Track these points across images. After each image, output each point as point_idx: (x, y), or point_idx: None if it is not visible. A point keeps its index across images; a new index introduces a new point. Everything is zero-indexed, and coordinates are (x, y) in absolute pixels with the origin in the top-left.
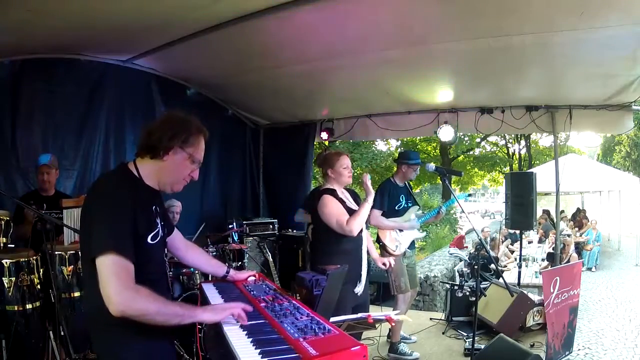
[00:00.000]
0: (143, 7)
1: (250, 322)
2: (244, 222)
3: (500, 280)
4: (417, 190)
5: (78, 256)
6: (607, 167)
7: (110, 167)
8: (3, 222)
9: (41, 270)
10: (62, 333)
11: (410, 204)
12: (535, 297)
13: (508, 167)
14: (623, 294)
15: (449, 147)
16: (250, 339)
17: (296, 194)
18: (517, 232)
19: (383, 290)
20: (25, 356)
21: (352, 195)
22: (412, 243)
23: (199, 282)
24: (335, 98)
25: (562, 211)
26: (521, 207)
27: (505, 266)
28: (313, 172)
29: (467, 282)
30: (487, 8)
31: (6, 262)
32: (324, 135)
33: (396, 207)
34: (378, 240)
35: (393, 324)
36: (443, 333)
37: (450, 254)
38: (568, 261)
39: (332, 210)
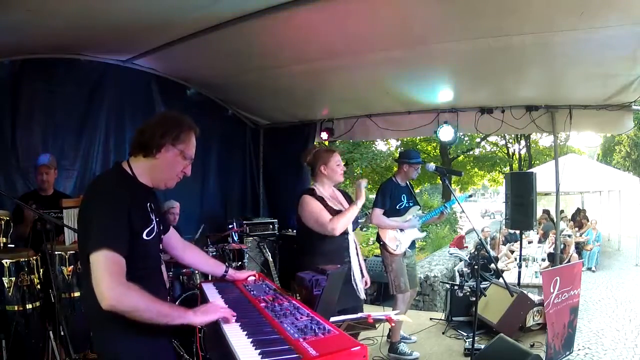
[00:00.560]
0: (143, 7)
1: (250, 322)
2: (244, 222)
3: (500, 280)
4: (417, 190)
5: (78, 256)
6: (607, 167)
7: (110, 167)
8: (3, 222)
9: (41, 270)
10: (62, 333)
11: (411, 204)
12: (535, 297)
13: (508, 167)
14: (623, 294)
15: (449, 147)
16: (250, 339)
17: (296, 194)
18: (517, 232)
19: (385, 290)
20: (25, 356)
21: (345, 197)
22: (413, 243)
23: (198, 282)
24: (335, 98)
25: (562, 211)
26: (521, 207)
27: (506, 266)
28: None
29: (467, 282)
30: (487, 8)
31: (6, 262)
32: (324, 135)
33: (397, 207)
34: (378, 239)
35: (393, 324)
36: (443, 333)
37: (450, 254)
38: (569, 261)
39: (311, 209)
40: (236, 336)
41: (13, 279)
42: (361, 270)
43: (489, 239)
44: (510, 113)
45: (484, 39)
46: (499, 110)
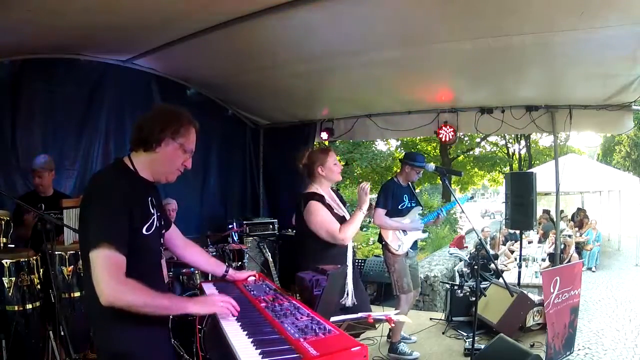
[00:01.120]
0: (143, 7)
1: (250, 323)
2: (244, 222)
3: (500, 280)
4: (417, 190)
5: (78, 256)
6: (607, 167)
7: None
8: (3, 222)
9: (41, 270)
10: (62, 333)
11: (413, 204)
12: (535, 297)
13: (508, 167)
14: (623, 294)
15: (449, 147)
16: (251, 339)
17: (296, 194)
18: (517, 232)
19: (385, 291)
20: (25, 356)
21: (337, 196)
22: (415, 243)
23: (198, 282)
24: (335, 98)
25: (562, 211)
26: (521, 207)
27: (505, 266)
28: None
29: (467, 282)
30: (487, 8)
31: (6, 262)
32: (324, 135)
33: (400, 207)
34: (380, 239)
35: (393, 325)
36: (443, 333)
37: (450, 254)
38: (569, 261)
39: (322, 218)
40: (236, 336)
41: (13, 279)
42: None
43: (488, 238)
44: (510, 113)
45: (484, 39)
46: (499, 110)
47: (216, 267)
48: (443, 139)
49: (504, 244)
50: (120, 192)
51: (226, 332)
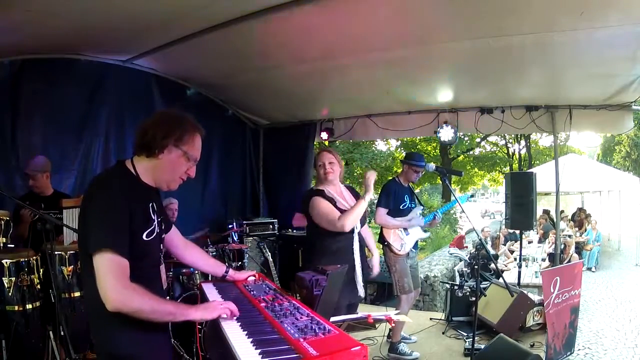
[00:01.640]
0: (143, 7)
1: (250, 323)
2: (244, 222)
3: (500, 280)
4: (417, 190)
5: (78, 256)
6: (607, 167)
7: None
8: (3, 222)
9: (41, 270)
10: (62, 333)
11: (414, 205)
12: (535, 297)
13: (508, 167)
14: (623, 294)
15: (449, 147)
16: (251, 339)
17: (296, 194)
18: (517, 232)
19: (386, 291)
20: (25, 356)
21: (352, 192)
22: (416, 243)
23: (198, 282)
24: (335, 98)
25: (562, 211)
26: (521, 207)
27: (505, 266)
28: (313, 172)
29: (467, 282)
30: (487, 8)
31: (6, 262)
32: (324, 135)
33: (401, 207)
34: (382, 240)
35: (393, 324)
36: (443, 333)
37: (450, 254)
38: (569, 261)
39: (321, 210)
40: (236, 336)
41: (13, 279)
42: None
43: (489, 238)
44: (510, 113)
45: (484, 39)
46: (499, 110)
47: (216, 267)
48: (443, 139)
49: (504, 244)
50: (122, 196)
51: (226, 332)
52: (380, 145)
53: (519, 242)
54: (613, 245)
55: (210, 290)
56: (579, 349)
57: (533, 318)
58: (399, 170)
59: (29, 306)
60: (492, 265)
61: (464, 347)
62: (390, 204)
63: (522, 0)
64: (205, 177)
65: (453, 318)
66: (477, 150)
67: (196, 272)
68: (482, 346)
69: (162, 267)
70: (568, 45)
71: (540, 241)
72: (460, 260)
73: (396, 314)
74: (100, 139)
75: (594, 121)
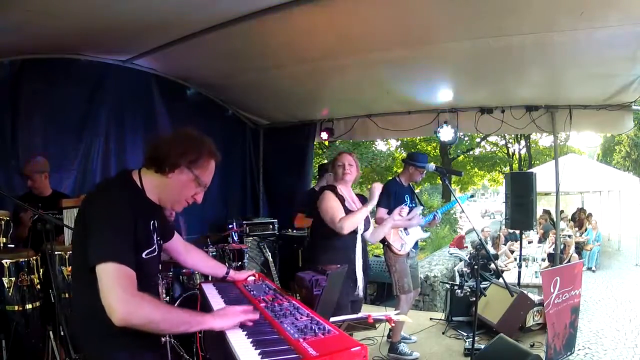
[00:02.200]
0: (143, 7)
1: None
2: (244, 222)
3: (500, 280)
4: (417, 190)
5: None
6: (607, 167)
7: (110, 166)
8: (3, 222)
9: (41, 270)
10: (62, 333)
11: (414, 205)
12: (535, 297)
13: (508, 167)
14: (623, 294)
15: (449, 147)
16: (250, 340)
17: (296, 194)
18: (517, 232)
19: (385, 290)
20: (25, 356)
21: (361, 200)
22: (416, 243)
23: (198, 282)
24: (335, 98)
25: (562, 211)
26: (521, 207)
27: (505, 266)
28: (313, 172)
29: (467, 282)
30: (487, 8)
31: (6, 262)
32: (324, 135)
33: None
34: (383, 239)
35: (393, 324)
36: (443, 333)
37: (450, 254)
38: (569, 261)
39: (329, 205)
40: (236, 336)
41: (13, 279)
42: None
43: (489, 238)
44: (510, 113)
45: (484, 39)
46: (499, 110)
47: (217, 269)
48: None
49: (505, 244)
50: (126, 207)
51: (226, 332)
52: (380, 145)
53: (519, 242)
54: (613, 245)
55: (210, 290)
56: (579, 349)
57: (533, 318)
58: (399, 170)
59: (29, 306)
60: (492, 265)
61: (464, 347)
62: (390, 204)
63: (522, 0)
64: None
65: (453, 318)
66: (477, 150)
67: (196, 272)
68: (482, 346)
69: (161, 288)
70: (568, 45)
71: (540, 241)
72: (460, 260)
73: (396, 314)
74: (100, 139)
75: (594, 121)
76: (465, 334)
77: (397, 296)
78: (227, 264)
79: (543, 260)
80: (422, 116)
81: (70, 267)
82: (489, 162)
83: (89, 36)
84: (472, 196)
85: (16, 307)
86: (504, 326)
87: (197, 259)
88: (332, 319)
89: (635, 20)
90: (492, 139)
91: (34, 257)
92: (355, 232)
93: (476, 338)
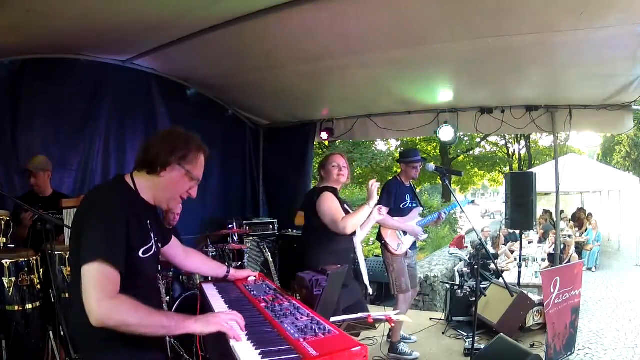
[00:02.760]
0: (143, 7)
1: (250, 322)
2: (244, 222)
3: (500, 280)
4: (417, 190)
5: None
6: (607, 167)
7: (110, 167)
8: (3, 222)
9: (41, 270)
10: (62, 333)
11: (414, 205)
12: (535, 297)
13: (508, 167)
14: (623, 294)
15: (449, 147)
16: (251, 339)
17: (296, 194)
18: (517, 232)
19: (385, 291)
20: (25, 356)
21: (347, 205)
22: (414, 243)
23: (198, 282)
24: (335, 98)
25: (562, 211)
26: (521, 207)
27: (505, 266)
28: (313, 172)
29: (467, 282)
30: (487, 8)
31: (6, 262)
32: (324, 135)
33: (401, 206)
34: (380, 238)
35: (393, 324)
36: (443, 333)
37: (450, 254)
38: (569, 262)
39: (331, 207)
40: (237, 342)
41: (13, 279)
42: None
43: (489, 238)
44: (510, 113)
45: (484, 39)
46: (499, 110)
47: (217, 269)
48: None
49: (505, 244)
50: (119, 209)
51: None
52: (380, 145)
53: (518, 242)
54: (613, 245)
55: (210, 290)
56: (579, 349)
57: (533, 318)
58: (399, 170)
59: (29, 306)
60: (492, 266)
61: (464, 347)
62: (390, 202)
63: (522, 0)
64: (205, 177)
65: (453, 318)
66: (477, 150)
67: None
68: (482, 346)
69: (162, 288)
70: (568, 45)
71: (540, 241)
72: (460, 260)
73: (396, 314)
74: (100, 139)
75: (594, 121)
76: (465, 334)
77: (395, 296)
78: (227, 264)
79: (543, 260)
80: (422, 116)
81: (70, 267)
82: (489, 162)
83: (89, 36)
84: (472, 202)
85: (16, 307)
86: (504, 326)
87: (197, 262)
88: (332, 319)
89: (635, 20)
90: (492, 139)
91: (34, 257)
92: (352, 233)
93: (476, 338)
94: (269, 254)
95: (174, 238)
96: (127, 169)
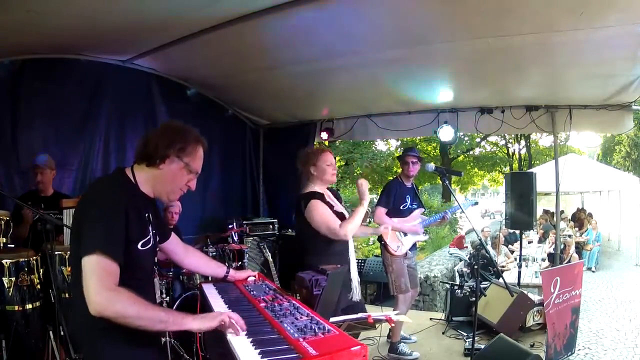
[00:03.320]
0: (143, 7)
1: (250, 322)
2: (244, 222)
3: (500, 280)
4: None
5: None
6: (607, 167)
7: (110, 167)
8: (3, 222)
9: (41, 270)
10: (62, 333)
11: (415, 206)
12: (535, 297)
13: (508, 167)
14: (623, 294)
15: (449, 147)
16: (250, 339)
17: (296, 194)
18: (517, 232)
19: (384, 291)
20: (25, 356)
21: (334, 195)
22: (414, 244)
23: (198, 282)
24: (335, 98)
25: (562, 211)
26: (521, 207)
27: (504, 267)
28: None
29: (467, 282)
30: (487, 8)
31: (6, 262)
32: (324, 135)
33: (401, 207)
34: (380, 239)
35: (393, 325)
36: (443, 333)
37: (450, 254)
38: (569, 261)
39: (322, 216)
40: (236, 336)
41: (13, 279)
42: None
43: (489, 238)
44: (510, 113)
45: (484, 39)
46: (499, 110)
47: (217, 269)
48: (443, 139)
49: (505, 245)
50: (118, 202)
51: (226, 332)
52: (380, 145)
53: (518, 242)
54: (613, 245)
55: (210, 290)
56: (579, 349)
57: (533, 318)
58: (400, 170)
59: (29, 306)
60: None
61: (464, 347)
62: (389, 203)
63: (522, 0)
64: (205, 177)
65: (453, 318)
66: (477, 150)
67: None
68: (482, 346)
69: (156, 281)
70: (568, 45)
71: (540, 241)
72: (460, 260)
73: (396, 314)
74: (100, 139)
75: (594, 121)
76: (465, 334)
77: (395, 296)
78: (227, 264)
79: (543, 260)
80: (422, 116)
81: (70, 267)
82: (489, 162)
83: (89, 36)
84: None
85: (16, 307)
86: (504, 326)
87: (196, 261)
88: (332, 319)
89: (635, 20)
90: (492, 139)
91: (34, 257)
92: None
93: (476, 338)
94: (269, 254)
95: (173, 235)
96: None
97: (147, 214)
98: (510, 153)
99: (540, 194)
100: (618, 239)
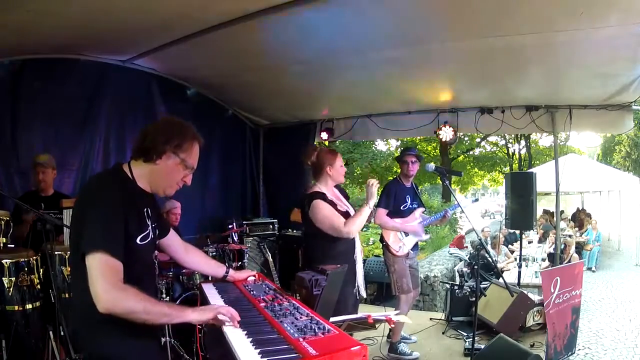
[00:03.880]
0: (143, 7)
1: (250, 322)
2: (244, 222)
3: (500, 280)
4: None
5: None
6: (607, 167)
7: (110, 166)
8: (3, 222)
9: (41, 270)
10: (62, 333)
11: (415, 206)
12: (535, 297)
13: (508, 167)
14: (623, 294)
15: (449, 147)
16: (250, 339)
17: (296, 194)
18: (517, 232)
19: (385, 291)
20: (25, 356)
21: (343, 194)
22: (416, 244)
23: (198, 282)
24: (335, 98)
25: (562, 211)
26: (521, 207)
27: (506, 266)
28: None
29: (467, 282)
30: (487, 8)
31: (6, 262)
32: (324, 135)
33: (401, 208)
34: (381, 239)
35: (393, 325)
36: (443, 333)
37: (450, 254)
38: (569, 261)
39: (325, 215)
40: (236, 336)
41: (13, 279)
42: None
43: (489, 238)
44: (510, 113)
45: (484, 39)
46: (499, 110)
47: (217, 269)
48: (443, 139)
49: (505, 245)
50: (117, 198)
51: (226, 332)
52: (380, 145)
53: (518, 242)
54: (613, 245)
55: (210, 290)
56: (579, 349)
57: (533, 318)
58: (399, 170)
59: (29, 306)
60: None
61: (464, 347)
62: (390, 204)
63: (522, 0)
64: (205, 177)
65: (453, 318)
66: (477, 150)
67: (196, 272)
68: (482, 346)
69: (161, 287)
70: (568, 45)
71: (540, 241)
72: (460, 260)
73: (396, 314)
74: (100, 139)
75: (594, 121)
76: (465, 334)
77: (397, 296)
78: (227, 264)
79: (543, 260)
80: (422, 116)
81: (70, 267)
82: (489, 162)
83: (89, 36)
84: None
85: (16, 307)
86: (504, 326)
87: (196, 259)
88: (332, 319)
89: (635, 20)
90: (492, 139)
91: (34, 257)
92: None
93: (476, 338)
94: (269, 254)
95: (173, 232)
96: None
97: (145, 209)
98: (510, 153)
99: (540, 194)
100: (618, 239)
